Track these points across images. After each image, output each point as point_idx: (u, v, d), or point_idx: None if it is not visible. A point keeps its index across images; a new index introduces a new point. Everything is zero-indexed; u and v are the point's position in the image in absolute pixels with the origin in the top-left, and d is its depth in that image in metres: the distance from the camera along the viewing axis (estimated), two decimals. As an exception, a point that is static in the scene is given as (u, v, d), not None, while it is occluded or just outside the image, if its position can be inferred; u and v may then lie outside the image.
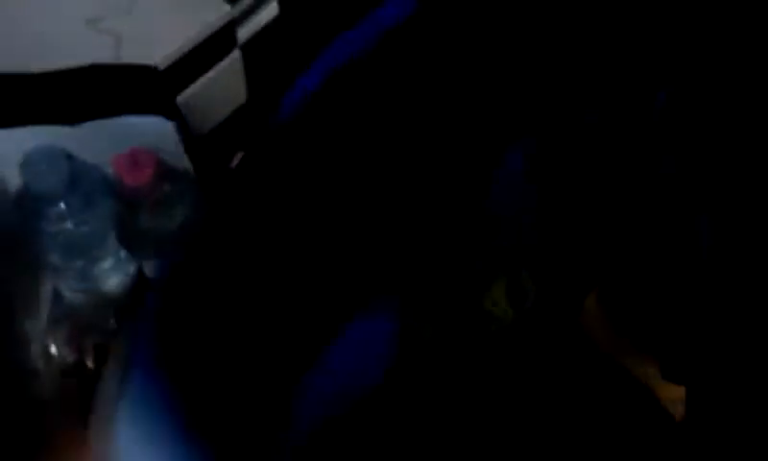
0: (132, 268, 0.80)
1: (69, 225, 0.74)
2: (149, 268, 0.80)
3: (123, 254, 0.79)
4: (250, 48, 0.95)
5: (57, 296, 0.79)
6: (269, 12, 0.98)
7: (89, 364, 0.75)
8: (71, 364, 0.75)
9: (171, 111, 0.74)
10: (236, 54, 0.92)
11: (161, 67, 0.77)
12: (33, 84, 0.73)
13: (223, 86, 0.91)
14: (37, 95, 0.74)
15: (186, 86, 0.87)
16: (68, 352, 0.77)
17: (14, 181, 0.75)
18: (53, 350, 0.76)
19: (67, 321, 0.78)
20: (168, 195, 0.75)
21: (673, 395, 0.82)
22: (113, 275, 0.79)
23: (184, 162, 0.76)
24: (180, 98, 0.86)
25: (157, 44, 0.83)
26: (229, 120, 0.95)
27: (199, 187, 0.77)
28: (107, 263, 0.78)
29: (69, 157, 0.73)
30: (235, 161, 0.82)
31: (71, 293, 0.79)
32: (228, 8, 0.89)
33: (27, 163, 0.72)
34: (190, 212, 0.76)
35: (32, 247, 0.75)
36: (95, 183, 0.76)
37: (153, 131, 0.75)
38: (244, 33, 0.95)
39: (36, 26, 0.85)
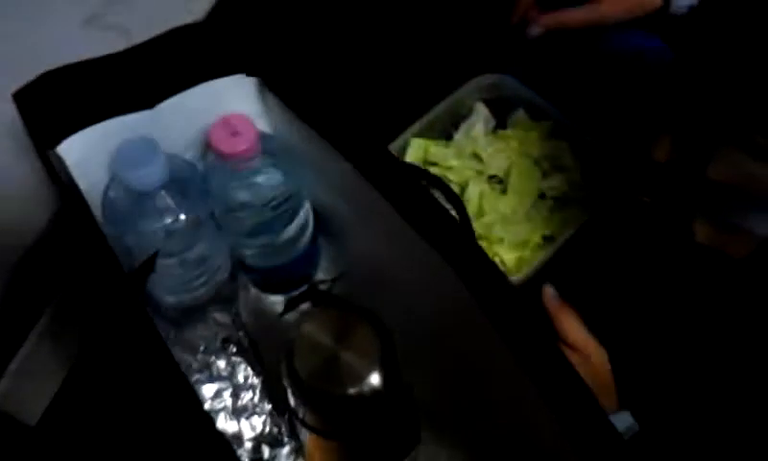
0: (227, 257, 0.74)
1: (173, 216, 0.68)
2: (245, 250, 0.75)
3: (219, 243, 0.73)
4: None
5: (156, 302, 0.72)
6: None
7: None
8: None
9: (250, 66, 0.69)
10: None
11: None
12: (94, 73, 0.66)
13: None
14: (102, 85, 0.67)
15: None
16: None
17: (99, 186, 0.67)
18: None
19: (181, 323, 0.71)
20: (265, 161, 0.70)
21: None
22: (216, 262, 0.74)
23: (273, 118, 0.71)
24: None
25: (167, 24, 0.77)
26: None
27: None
28: (208, 251, 0.72)
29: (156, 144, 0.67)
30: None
31: (175, 296, 0.72)
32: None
33: (119, 162, 0.65)
34: (287, 176, 0.72)
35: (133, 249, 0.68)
36: (187, 167, 0.69)
37: (236, 91, 0.69)
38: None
39: (32, 39, 0.77)
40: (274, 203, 0.72)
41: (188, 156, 0.71)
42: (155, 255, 0.62)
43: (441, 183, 0.77)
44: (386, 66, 1.04)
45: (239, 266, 0.79)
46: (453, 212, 0.74)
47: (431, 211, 0.61)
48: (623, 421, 0.72)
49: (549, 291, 0.80)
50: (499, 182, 0.92)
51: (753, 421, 0.75)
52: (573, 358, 0.75)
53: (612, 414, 0.72)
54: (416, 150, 0.90)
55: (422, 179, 0.77)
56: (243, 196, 0.71)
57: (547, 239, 0.89)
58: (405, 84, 1.01)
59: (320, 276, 0.84)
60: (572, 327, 0.77)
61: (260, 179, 0.71)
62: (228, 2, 0.79)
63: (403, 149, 0.90)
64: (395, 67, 1.04)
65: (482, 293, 0.55)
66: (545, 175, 0.91)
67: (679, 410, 0.77)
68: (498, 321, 0.54)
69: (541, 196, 0.92)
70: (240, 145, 0.67)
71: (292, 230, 0.76)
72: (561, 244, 0.84)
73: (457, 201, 0.75)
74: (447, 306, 0.60)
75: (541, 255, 0.85)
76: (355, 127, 0.65)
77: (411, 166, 0.85)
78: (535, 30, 0.94)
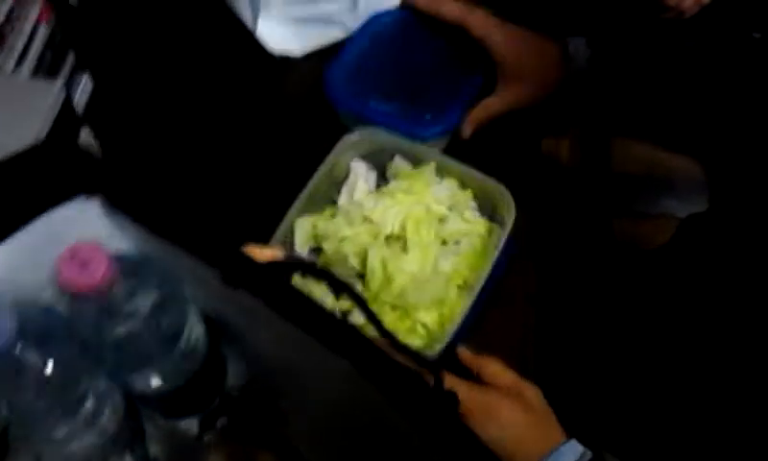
0: (117, 395, 0.67)
1: (36, 371, 0.60)
2: (138, 382, 0.68)
3: (102, 384, 0.66)
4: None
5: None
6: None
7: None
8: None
9: (91, 186, 0.63)
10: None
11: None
12: None
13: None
14: None
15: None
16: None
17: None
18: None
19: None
20: (129, 284, 0.64)
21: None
22: (100, 413, 0.66)
23: (127, 236, 0.65)
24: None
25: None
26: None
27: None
28: (89, 405, 0.65)
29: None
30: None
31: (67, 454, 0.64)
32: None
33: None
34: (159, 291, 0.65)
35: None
36: (42, 312, 0.62)
37: (79, 216, 0.63)
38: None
39: None
40: (152, 325, 0.65)
41: (46, 297, 0.63)
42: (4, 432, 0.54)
43: (324, 274, 0.73)
44: (244, 157, 0.99)
45: (137, 399, 0.71)
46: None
47: (309, 308, 0.57)
48: (573, 451, 0.68)
49: (463, 351, 0.79)
50: (397, 240, 0.86)
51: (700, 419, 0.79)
52: (511, 403, 0.72)
53: (559, 445, 0.70)
54: (303, 231, 0.85)
55: (304, 271, 0.72)
56: (116, 329, 0.64)
57: (462, 287, 0.84)
58: (271, 169, 0.96)
59: (231, 383, 0.77)
60: (500, 373, 0.76)
61: (128, 304, 0.64)
62: (59, 124, 0.73)
63: (290, 233, 0.84)
64: (253, 155, 0.99)
65: (374, 377, 0.53)
66: (442, 220, 0.86)
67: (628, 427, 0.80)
68: (397, 402, 0.52)
69: (444, 243, 0.86)
70: (93, 276, 0.60)
71: (182, 346, 0.69)
72: (479, 290, 0.79)
73: (344, 287, 0.71)
74: (351, 395, 0.57)
75: (461, 307, 0.79)
76: (215, 233, 0.60)
77: (282, 264, 0.80)
78: (467, 130, 0.95)
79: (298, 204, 0.84)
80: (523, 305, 0.87)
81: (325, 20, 1.04)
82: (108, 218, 0.64)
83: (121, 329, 0.63)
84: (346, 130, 0.91)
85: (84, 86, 0.87)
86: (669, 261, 1.08)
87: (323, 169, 0.86)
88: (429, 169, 0.87)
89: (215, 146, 0.98)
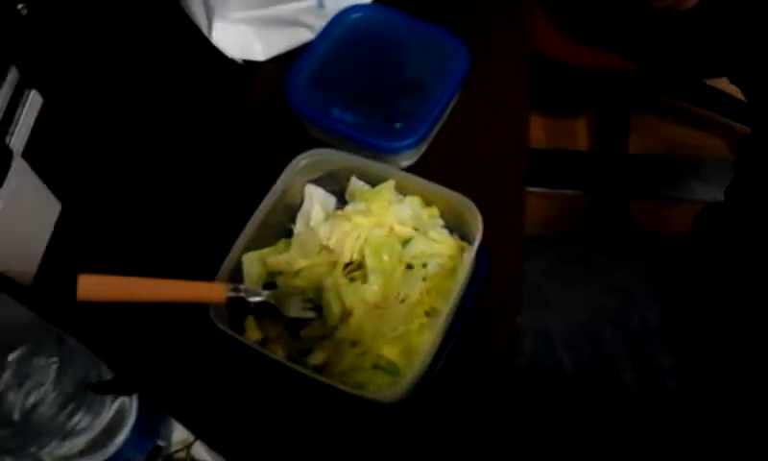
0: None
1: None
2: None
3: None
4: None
5: None
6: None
7: None
8: None
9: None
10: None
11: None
12: None
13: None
14: None
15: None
16: None
17: None
18: None
19: None
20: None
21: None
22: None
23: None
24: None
25: None
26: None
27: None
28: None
29: None
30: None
31: None
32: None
33: None
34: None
35: None
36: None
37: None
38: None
39: None
40: (60, 409, 0.60)
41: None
42: None
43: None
44: (201, 174, 0.92)
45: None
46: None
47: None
48: None
49: None
50: (359, 268, 0.78)
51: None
52: None
53: None
54: (251, 266, 0.79)
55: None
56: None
57: (431, 315, 0.76)
58: (230, 188, 0.90)
59: (176, 441, 0.74)
60: None
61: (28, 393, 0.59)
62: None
63: (237, 269, 0.77)
64: (211, 173, 0.92)
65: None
66: (406, 243, 0.78)
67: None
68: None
69: (409, 267, 0.78)
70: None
71: (104, 416, 0.64)
72: (447, 317, 0.71)
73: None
74: None
75: (429, 336, 0.72)
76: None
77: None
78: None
79: (244, 236, 0.77)
80: (505, 329, 0.79)
81: (290, 21, 0.96)
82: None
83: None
84: (314, 144, 0.83)
85: (31, 103, 0.85)
86: (685, 257, 1.00)
87: (271, 197, 0.79)
88: (388, 187, 0.79)
89: (171, 163, 0.91)
